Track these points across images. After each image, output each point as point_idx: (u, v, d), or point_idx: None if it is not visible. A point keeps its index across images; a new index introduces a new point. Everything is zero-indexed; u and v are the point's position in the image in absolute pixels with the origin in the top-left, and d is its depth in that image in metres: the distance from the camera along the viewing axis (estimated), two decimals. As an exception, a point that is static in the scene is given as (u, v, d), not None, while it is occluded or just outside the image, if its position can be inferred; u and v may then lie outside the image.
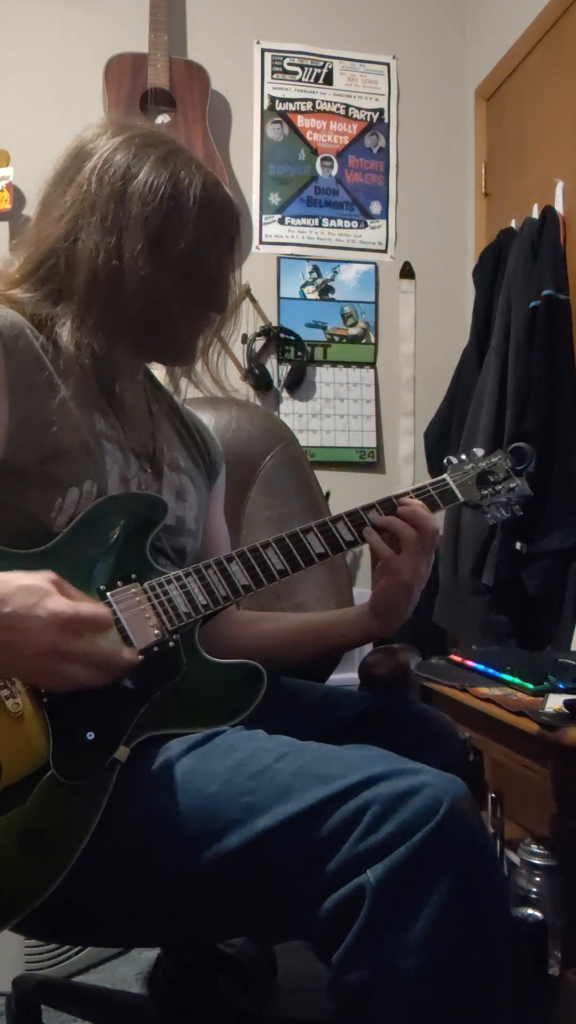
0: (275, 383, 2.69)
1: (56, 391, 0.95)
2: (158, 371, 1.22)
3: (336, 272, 2.78)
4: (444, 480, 1.10)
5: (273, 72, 2.76)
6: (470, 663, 1.66)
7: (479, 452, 1.13)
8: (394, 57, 2.84)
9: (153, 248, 0.97)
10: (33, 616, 0.80)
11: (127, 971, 1.69)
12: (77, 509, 0.94)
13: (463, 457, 1.13)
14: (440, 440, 2.56)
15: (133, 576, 0.93)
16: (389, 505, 1.05)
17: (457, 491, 1.10)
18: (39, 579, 0.82)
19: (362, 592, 1.15)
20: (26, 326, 0.96)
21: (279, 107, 2.76)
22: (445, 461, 1.14)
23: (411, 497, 1.06)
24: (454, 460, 1.13)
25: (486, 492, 1.11)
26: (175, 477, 1.09)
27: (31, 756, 0.83)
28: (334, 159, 2.79)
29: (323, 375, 2.75)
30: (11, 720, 0.83)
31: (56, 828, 0.81)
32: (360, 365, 2.78)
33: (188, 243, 0.98)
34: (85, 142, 1.01)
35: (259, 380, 2.65)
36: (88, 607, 0.84)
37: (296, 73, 2.77)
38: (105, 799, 0.83)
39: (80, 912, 0.86)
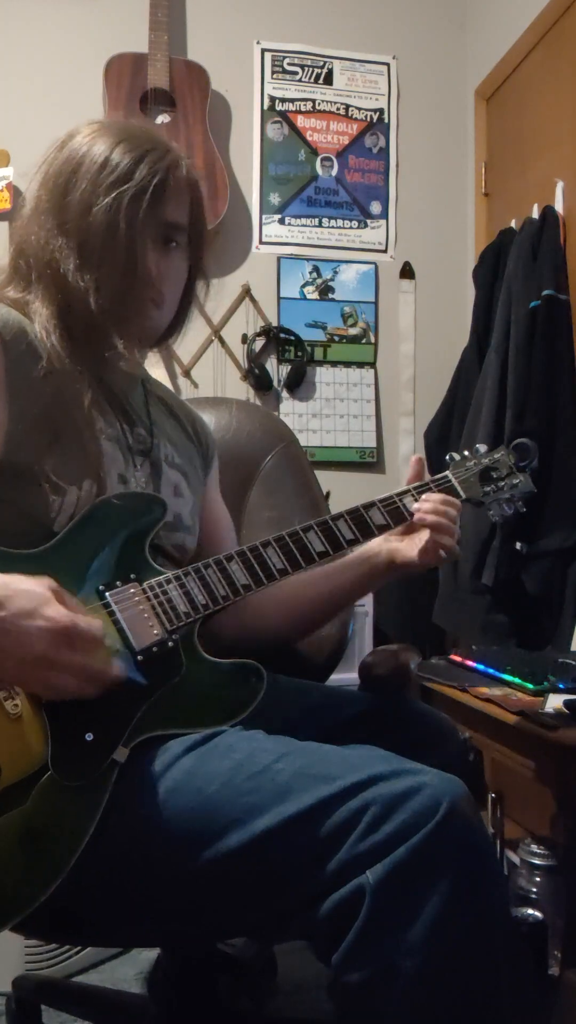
0: (275, 383, 2.69)
1: (53, 390, 0.95)
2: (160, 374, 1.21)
3: (336, 272, 2.78)
4: (446, 477, 1.10)
5: (273, 72, 2.75)
6: (470, 663, 1.66)
7: (482, 448, 1.12)
8: (394, 57, 2.83)
9: (56, 214, 0.97)
10: (29, 622, 0.80)
11: (127, 971, 1.69)
12: (76, 509, 0.94)
13: (465, 453, 1.12)
14: (440, 440, 2.56)
15: (132, 576, 0.93)
16: (390, 503, 1.05)
17: (459, 487, 1.09)
18: (39, 586, 0.83)
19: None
20: (26, 324, 0.96)
21: (279, 107, 2.76)
22: (447, 458, 1.12)
23: (414, 494, 1.06)
24: (456, 456, 1.12)
25: (489, 488, 1.11)
26: (172, 473, 1.10)
27: (30, 757, 0.83)
28: (334, 159, 2.79)
29: (323, 375, 2.75)
30: (10, 721, 0.83)
31: (55, 829, 0.81)
32: (360, 365, 2.78)
33: (80, 201, 0.95)
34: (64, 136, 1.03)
35: (259, 380, 2.65)
36: (84, 620, 0.84)
37: (296, 73, 2.77)
38: (104, 800, 0.83)
39: (80, 912, 0.86)
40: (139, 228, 0.96)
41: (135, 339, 1.02)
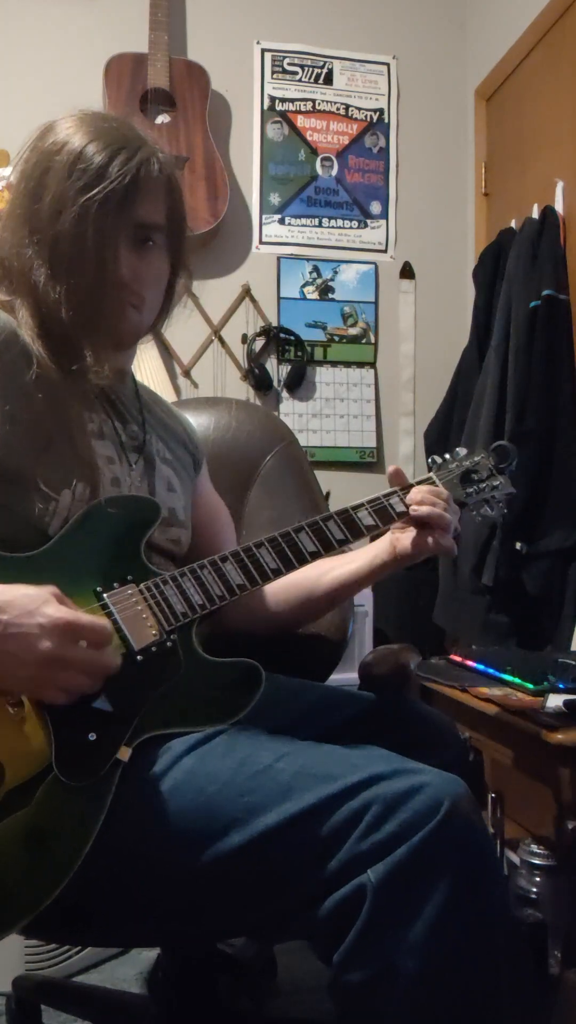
0: (275, 383, 2.69)
1: (44, 393, 0.94)
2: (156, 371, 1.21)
3: (336, 272, 2.78)
4: (430, 479, 1.11)
5: (273, 72, 2.75)
6: (470, 663, 1.65)
7: (462, 451, 1.15)
8: (394, 57, 2.83)
9: (28, 220, 0.95)
10: (30, 621, 0.80)
11: (127, 971, 1.69)
12: (71, 512, 0.94)
13: (447, 456, 1.15)
14: (440, 440, 2.56)
15: (129, 577, 0.93)
16: (377, 503, 1.06)
17: (443, 488, 1.10)
18: (38, 589, 0.83)
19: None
20: (15, 327, 0.96)
21: (279, 107, 2.76)
22: (429, 461, 1.16)
23: (400, 495, 1.07)
24: (438, 460, 1.15)
25: (471, 490, 1.12)
26: (164, 468, 1.10)
27: (33, 758, 0.83)
28: (334, 159, 2.79)
29: (323, 375, 2.75)
30: (13, 722, 0.83)
31: (60, 830, 0.81)
32: (360, 365, 2.78)
33: (50, 206, 0.93)
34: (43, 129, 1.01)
35: (259, 380, 2.65)
36: (88, 616, 0.84)
37: (296, 73, 2.77)
38: (108, 800, 0.83)
39: (82, 912, 0.86)
40: (109, 234, 0.94)
41: (111, 345, 1.00)
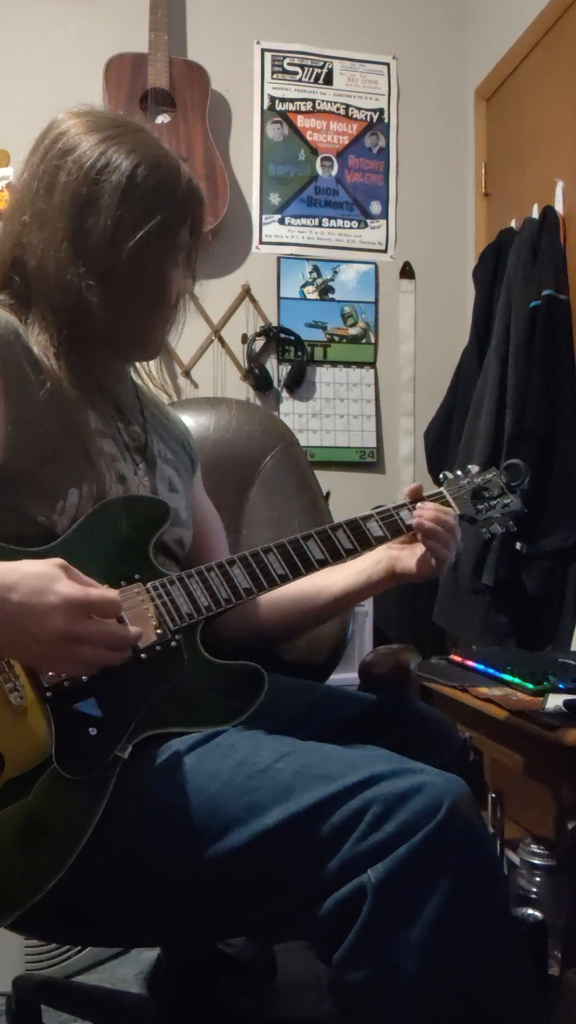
0: (275, 383, 2.69)
1: (50, 394, 0.94)
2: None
3: (336, 272, 2.78)
4: (441, 493, 1.12)
5: (273, 72, 2.75)
6: (470, 663, 1.66)
7: (474, 468, 1.16)
8: (394, 57, 2.83)
9: (73, 239, 0.94)
10: (43, 601, 0.79)
11: (127, 971, 1.69)
12: (78, 511, 0.94)
13: (459, 472, 1.16)
14: (440, 440, 2.56)
15: (136, 576, 0.94)
16: (387, 516, 1.06)
17: (454, 504, 1.11)
18: (46, 565, 0.82)
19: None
20: (19, 327, 0.96)
21: (279, 107, 2.76)
22: (441, 476, 1.16)
23: (410, 507, 1.07)
24: (450, 475, 1.15)
25: (481, 507, 1.13)
26: (166, 469, 1.10)
27: (34, 750, 0.83)
28: (334, 159, 2.79)
29: (323, 375, 2.75)
30: (14, 713, 0.83)
31: (57, 822, 0.81)
32: (360, 365, 2.78)
33: (105, 231, 0.94)
34: (51, 130, 1.01)
35: (259, 380, 2.65)
36: (97, 591, 0.84)
37: (296, 73, 2.77)
38: (107, 795, 0.83)
39: (81, 911, 0.87)
40: (167, 262, 0.98)
41: (148, 358, 1.08)
